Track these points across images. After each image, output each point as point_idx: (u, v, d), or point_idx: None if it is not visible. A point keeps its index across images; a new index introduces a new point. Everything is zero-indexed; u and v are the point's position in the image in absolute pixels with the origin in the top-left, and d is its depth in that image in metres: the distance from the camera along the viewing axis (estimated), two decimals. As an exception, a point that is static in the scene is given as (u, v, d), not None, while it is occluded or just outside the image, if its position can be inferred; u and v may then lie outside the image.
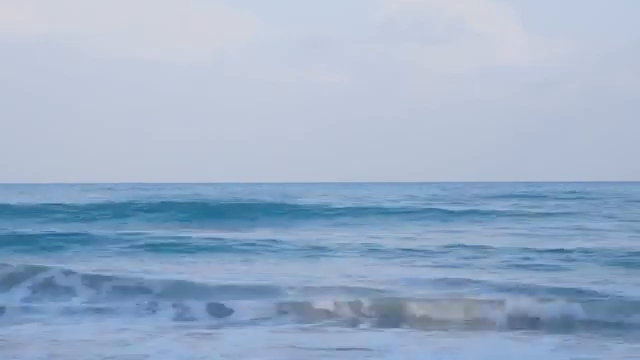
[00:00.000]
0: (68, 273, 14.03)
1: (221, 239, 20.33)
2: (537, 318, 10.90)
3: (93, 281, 13.61)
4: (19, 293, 13.24)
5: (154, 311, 11.62)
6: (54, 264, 15.28)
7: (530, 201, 44.31)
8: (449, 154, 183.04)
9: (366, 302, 11.48)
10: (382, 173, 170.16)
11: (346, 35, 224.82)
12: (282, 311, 11.27)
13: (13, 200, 36.33)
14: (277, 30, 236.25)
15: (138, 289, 13.06)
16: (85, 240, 20.39)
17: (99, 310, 11.95)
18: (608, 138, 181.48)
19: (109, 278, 13.76)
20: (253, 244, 19.52)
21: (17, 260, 16.24)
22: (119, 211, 30.52)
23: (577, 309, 10.91)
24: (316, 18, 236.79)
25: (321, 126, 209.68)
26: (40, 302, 12.71)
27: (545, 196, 49.85)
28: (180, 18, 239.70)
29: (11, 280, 13.80)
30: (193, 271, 15.27)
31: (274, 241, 19.99)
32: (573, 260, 16.54)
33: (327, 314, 11.07)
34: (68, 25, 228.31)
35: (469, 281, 13.35)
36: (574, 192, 53.42)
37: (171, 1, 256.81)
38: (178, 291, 12.64)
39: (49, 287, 13.46)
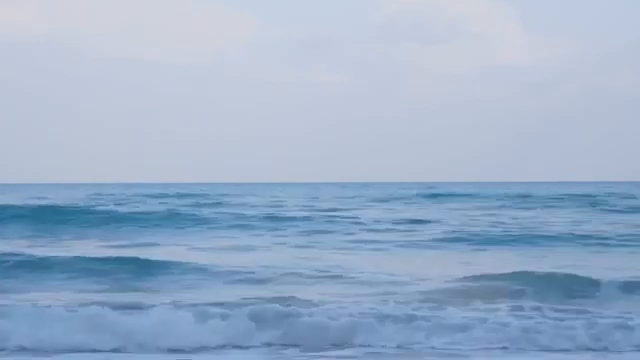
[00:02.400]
0: None
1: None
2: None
3: None
4: None
5: None
6: None
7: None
8: (449, 154, 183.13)
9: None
10: (382, 173, 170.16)
11: (346, 35, 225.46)
12: None
13: None
14: (277, 30, 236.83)
15: None
16: None
17: None
18: (608, 138, 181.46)
19: None
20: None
21: None
22: None
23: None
24: (316, 18, 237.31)
25: (321, 126, 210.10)
26: None
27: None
28: (180, 18, 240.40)
29: None
30: None
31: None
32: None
33: None
34: (68, 25, 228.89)
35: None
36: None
37: (171, 1, 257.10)
38: None
39: None
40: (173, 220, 27.66)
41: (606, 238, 21.85)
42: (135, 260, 15.64)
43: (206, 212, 31.43)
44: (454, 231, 23.55)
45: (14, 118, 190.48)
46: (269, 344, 9.48)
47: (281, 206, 40.68)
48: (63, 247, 19.98)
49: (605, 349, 9.36)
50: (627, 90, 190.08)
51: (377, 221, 28.72)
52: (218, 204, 40.80)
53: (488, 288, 12.87)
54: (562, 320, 10.06)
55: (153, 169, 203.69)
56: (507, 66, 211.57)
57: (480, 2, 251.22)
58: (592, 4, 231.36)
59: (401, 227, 26.37)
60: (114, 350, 9.25)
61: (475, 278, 13.68)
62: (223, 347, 9.37)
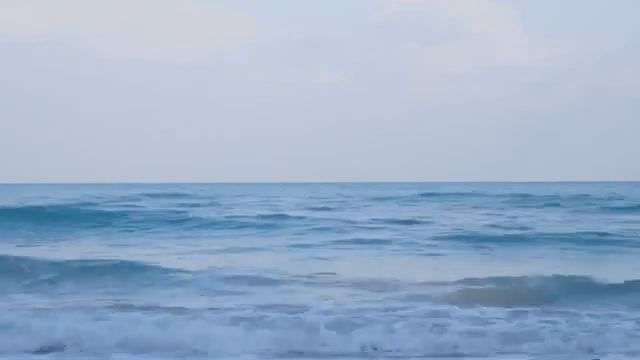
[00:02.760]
0: None
1: None
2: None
3: None
4: None
5: None
6: None
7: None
8: (449, 154, 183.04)
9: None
10: (382, 173, 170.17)
11: (346, 35, 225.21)
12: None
13: None
14: (277, 30, 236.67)
15: None
16: None
17: None
18: (608, 138, 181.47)
19: None
20: None
21: None
22: None
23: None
24: (316, 18, 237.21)
25: (321, 126, 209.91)
26: None
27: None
28: (180, 18, 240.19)
29: None
30: None
31: None
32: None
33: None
34: (68, 25, 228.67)
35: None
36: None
37: (171, 1, 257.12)
38: None
39: None
40: (172, 221, 27.67)
41: (605, 235, 21.90)
42: (133, 262, 15.63)
43: (205, 212, 31.49)
44: (453, 230, 23.55)
45: (14, 118, 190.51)
46: (264, 347, 9.42)
47: (280, 206, 40.70)
48: (62, 248, 19.99)
49: (602, 349, 9.33)
50: (627, 90, 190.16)
51: (376, 221, 28.76)
52: (218, 204, 40.85)
53: (486, 288, 12.87)
54: (560, 321, 10.05)
55: (153, 169, 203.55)
56: (507, 66, 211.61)
57: (480, 2, 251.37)
58: (592, 4, 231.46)
59: (400, 227, 26.36)
60: (113, 351, 9.24)
61: (473, 278, 13.67)
62: (220, 350, 9.34)
